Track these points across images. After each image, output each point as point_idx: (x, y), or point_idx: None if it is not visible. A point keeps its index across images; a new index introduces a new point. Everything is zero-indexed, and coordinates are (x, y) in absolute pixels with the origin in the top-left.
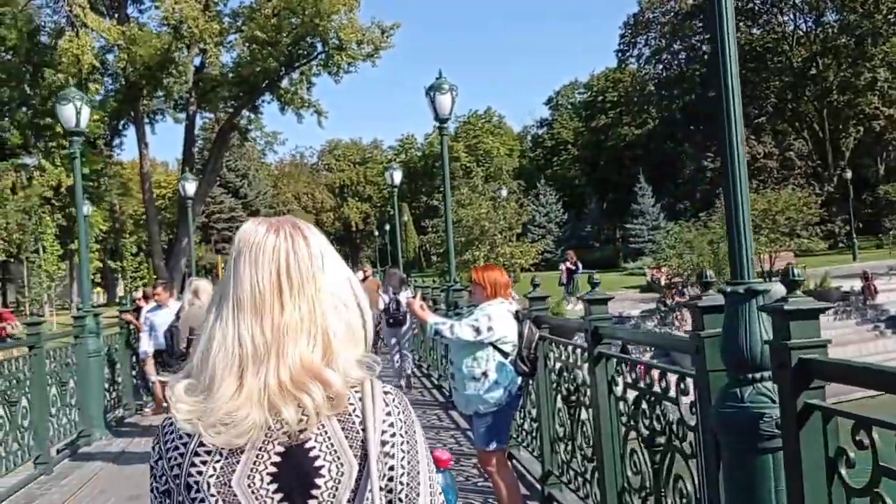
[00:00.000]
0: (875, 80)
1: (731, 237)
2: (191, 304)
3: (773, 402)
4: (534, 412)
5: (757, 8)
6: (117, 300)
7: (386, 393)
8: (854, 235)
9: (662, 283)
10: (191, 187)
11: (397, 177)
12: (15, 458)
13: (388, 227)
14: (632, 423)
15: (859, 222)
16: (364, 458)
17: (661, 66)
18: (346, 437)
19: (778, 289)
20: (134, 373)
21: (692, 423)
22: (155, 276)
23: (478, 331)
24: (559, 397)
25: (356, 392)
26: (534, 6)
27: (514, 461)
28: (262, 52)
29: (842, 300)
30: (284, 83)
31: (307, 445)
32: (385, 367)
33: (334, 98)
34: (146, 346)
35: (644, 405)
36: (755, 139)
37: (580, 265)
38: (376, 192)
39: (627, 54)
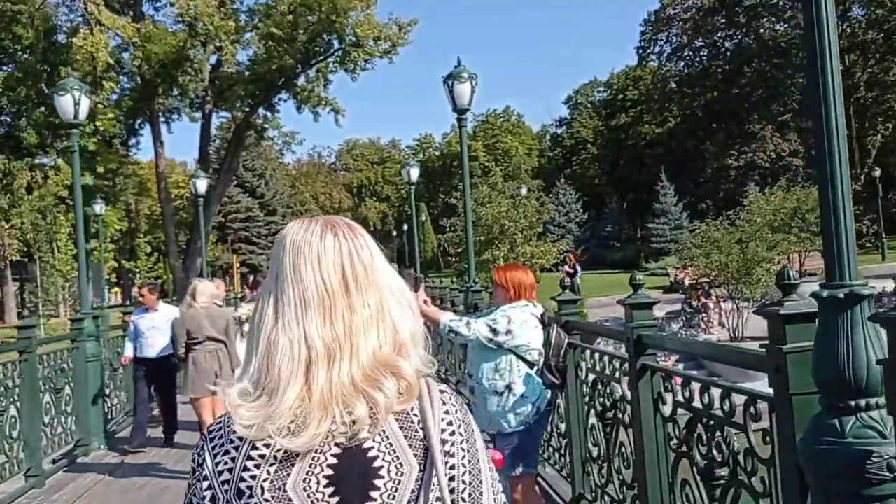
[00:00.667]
0: None
1: (827, 228)
2: (189, 307)
3: (884, 437)
4: (562, 427)
5: (781, 3)
6: (131, 301)
7: (442, 392)
8: (883, 235)
9: (686, 283)
10: (202, 185)
11: (414, 174)
12: (2, 470)
13: (406, 227)
14: (683, 448)
15: (887, 222)
16: (424, 458)
17: (682, 64)
18: (405, 437)
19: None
20: None
21: (765, 455)
22: (170, 276)
23: (494, 331)
24: (592, 413)
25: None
26: (554, 4)
27: (538, 478)
28: (277, 49)
29: (874, 302)
30: (301, 81)
31: (365, 446)
32: None
33: (352, 98)
34: (129, 353)
35: (700, 429)
36: (780, 137)
37: (579, 268)
38: (394, 192)
39: (648, 51)
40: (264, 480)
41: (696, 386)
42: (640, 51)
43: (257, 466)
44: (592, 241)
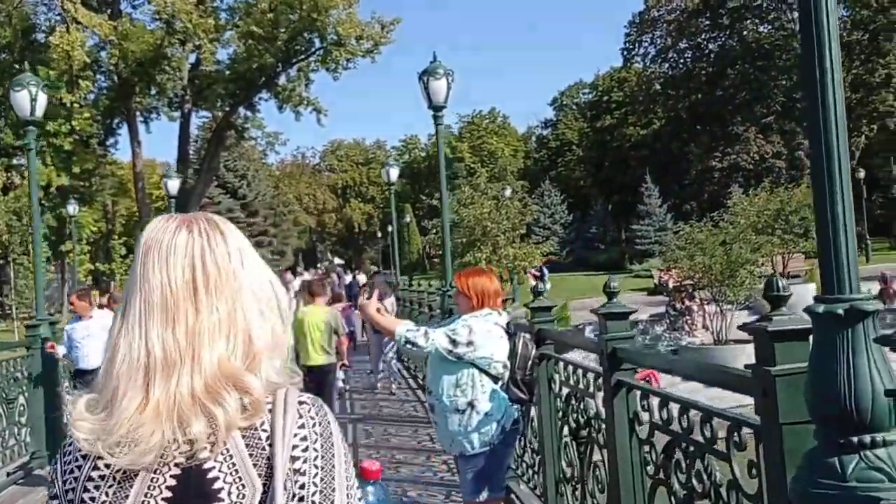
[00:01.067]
0: (890, 76)
1: (823, 234)
2: None
3: (894, 481)
4: (536, 442)
5: (765, 5)
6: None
7: (301, 403)
8: (867, 237)
9: (671, 285)
10: (174, 185)
11: (394, 174)
12: None
13: (390, 229)
14: (661, 475)
15: (871, 223)
16: (269, 478)
17: (666, 65)
18: (251, 455)
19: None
20: None
21: (751, 490)
22: None
23: (454, 343)
24: (566, 430)
25: (266, 403)
26: (541, 6)
27: (511, 495)
28: (258, 48)
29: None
30: (282, 80)
31: (206, 466)
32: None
33: (337, 98)
34: (60, 350)
35: (679, 455)
36: (763, 139)
37: (545, 271)
38: (379, 193)
39: (633, 53)
40: (103, 503)
41: (674, 406)
42: (625, 52)
43: (97, 487)
44: (578, 243)
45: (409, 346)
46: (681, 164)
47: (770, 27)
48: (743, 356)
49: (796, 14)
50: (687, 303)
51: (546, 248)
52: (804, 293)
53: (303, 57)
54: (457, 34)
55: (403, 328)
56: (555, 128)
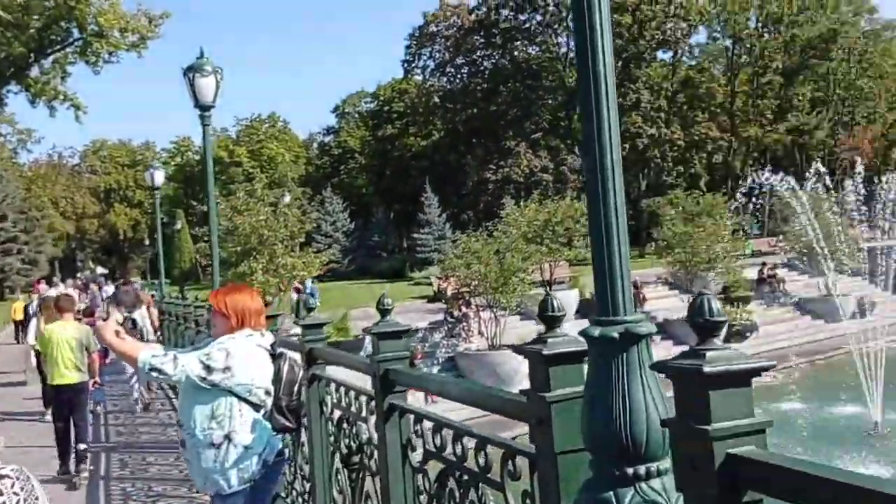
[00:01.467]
0: (639, 100)
1: (598, 253)
2: None
3: None
4: (307, 468)
5: (534, 28)
6: None
7: (3, 477)
8: None
9: (449, 293)
10: None
11: (158, 177)
12: None
13: (156, 236)
14: None
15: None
16: None
17: (445, 79)
18: None
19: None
20: None
21: None
22: None
23: (209, 369)
24: (338, 456)
25: None
26: (324, 12)
27: None
28: (6, 35)
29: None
30: (34, 72)
31: None
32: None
33: (104, 95)
34: None
35: (452, 484)
36: (532, 153)
37: (308, 284)
38: (147, 198)
39: (413, 65)
40: None
41: (448, 432)
42: (406, 64)
43: None
44: (360, 251)
45: (154, 374)
46: (458, 176)
47: (538, 49)
48: (514, 360)
49: (561, 39)
50: (464, 310)
51: (327, 256)
52: (567, 299)
53: (59, 47)
54: (237, 34)
55: (148, 354)
56: (337, 135)
